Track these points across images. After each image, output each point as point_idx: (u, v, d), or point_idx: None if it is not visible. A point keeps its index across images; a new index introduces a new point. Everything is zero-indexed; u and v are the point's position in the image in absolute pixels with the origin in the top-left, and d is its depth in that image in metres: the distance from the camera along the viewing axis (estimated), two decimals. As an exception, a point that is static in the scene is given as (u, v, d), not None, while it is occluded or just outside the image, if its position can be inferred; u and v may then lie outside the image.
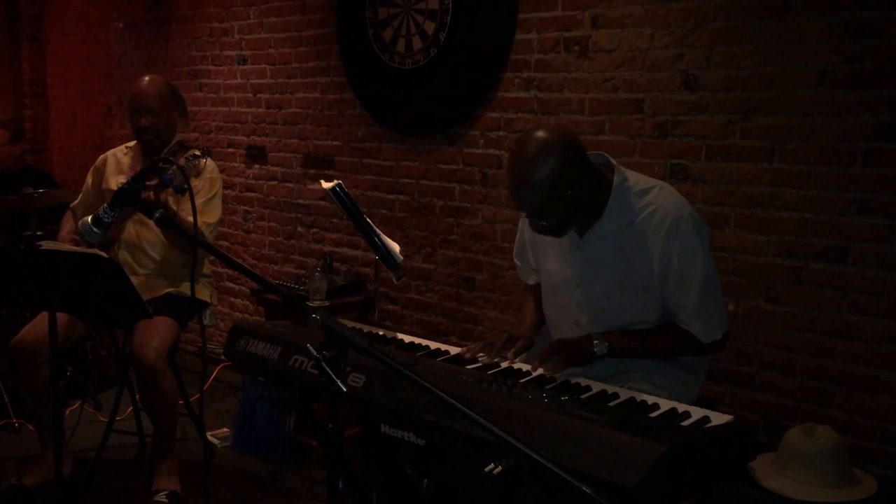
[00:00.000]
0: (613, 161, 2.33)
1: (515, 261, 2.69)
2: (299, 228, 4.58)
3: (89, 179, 3.59)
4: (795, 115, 2.82)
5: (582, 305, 2.35)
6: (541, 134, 2.16)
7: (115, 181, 3.41)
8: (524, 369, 2.22)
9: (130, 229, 3.42)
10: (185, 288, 3.37)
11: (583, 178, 2.19)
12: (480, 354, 2.29)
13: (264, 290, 4.08)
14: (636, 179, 2.30)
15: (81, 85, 6.03)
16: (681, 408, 1.94)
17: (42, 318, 3.13)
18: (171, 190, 2.57)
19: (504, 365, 2.26)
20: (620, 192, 2.26)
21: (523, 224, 2.56)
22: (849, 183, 2.73)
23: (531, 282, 2.64)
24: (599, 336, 2.24)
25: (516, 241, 2.66)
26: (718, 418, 1.89)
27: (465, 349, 2.34)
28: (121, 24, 5.59)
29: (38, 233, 3.83)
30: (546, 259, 2.46)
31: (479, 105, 3.67)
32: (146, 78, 3.45)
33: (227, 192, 4.68)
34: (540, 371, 2.19)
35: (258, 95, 4.70)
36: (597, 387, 2.09)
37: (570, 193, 2.16)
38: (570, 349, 2.22)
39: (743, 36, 2.90)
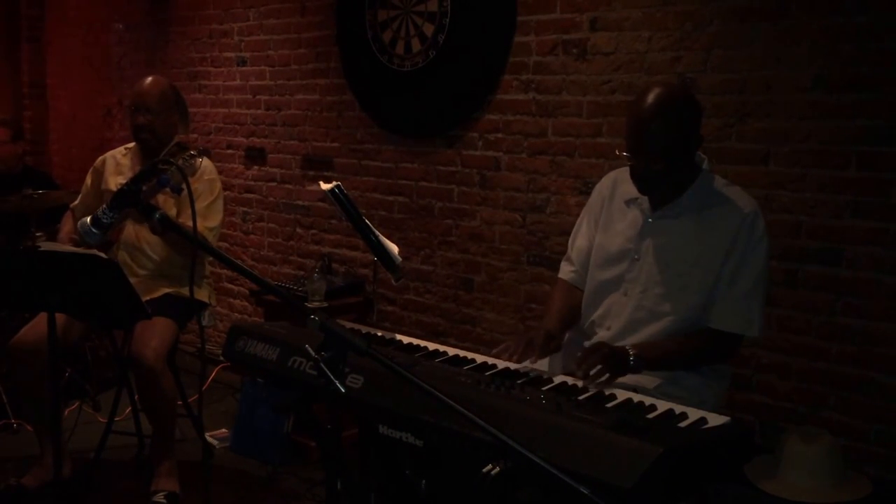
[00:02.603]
0: (704, 156, 2.37)
1: (569, 244, 2.66)
2: (298, 229, 4.59)
3: (88, 181, 3.60)
4: (791, 118, 2.84)
5: (636, 279, 2.36)
6: (671, 84, 2.36)
7: (114, 182, 3.41)
8: (522, 370, 2.23)
9: (130, 230, 3.43)
10: (184, 289, 3.38)
11: (698, 134, 2.29)
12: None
13: (263, 291, 4.08)
14: (721, 178, 2.39)
15: (81, 86, 6.04)
16: (678, 409, 1.95)
17: (41, 319, 3.14)
18: (168, 190, 2.58)
19: (505, 366, 2.26)
20: (707, 178, 2.33)
21: (592, 204, 2.58)
22: (843, 186, 2.75)
23: (566, 276, 2.63)
24: (632, 348, 2.22)
25: (576, 225, 2.64)
26: (715, 420, 1.90)
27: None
28: (120, 26, 5.60)
29: (38, 234, 3.84)
30: (608, 231, 2.47)
31: (477, 107, 3.68)
32: (149, 78, 3.47)
33: (226, 193, 4.68)
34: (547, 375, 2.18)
35: (257, 97, 4.71)
36: (594, 388, 2.10)
37: (686, 144, 2.25)
38: (610, 357, 2.16)
39: (739, 40, 2.92)
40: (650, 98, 2.22)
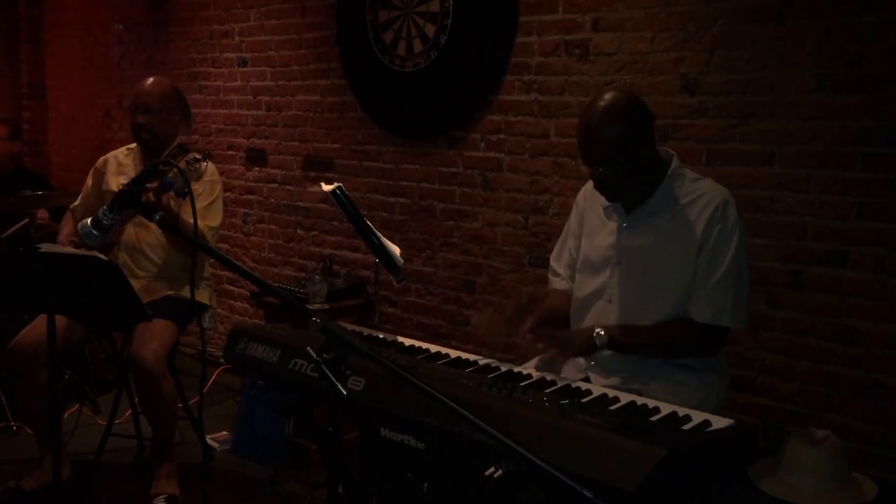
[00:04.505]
0: (673, 153, 2.40)
1: (551, 263, 2.70)
2: (299, 231, 4.57)
3: (89, 181, 3.59)
4: (795, 119, 2.82)
5: (619, 284, 2.39)
6: (617, 91, 2.36)
7: (116, 183, 3.40)
8: (524, 372, 2.22)
9: (130, 232, 3.42)
10: (184, 290, 3.37)
11: (649, 136, 2.31)
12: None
13: (264, 293, 4.07)
14: (691, 171, 2.41)
15: (80, 87, 6.03)
16: (681, 411, 1.93)
17: (41, 321, 3.13)
18: (171, 193, 2.58)
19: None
20: (675, 176, 2.35)
21: (571, 218, 2.63)
22: (848, 187, 2.73)
23: (558, 286, 2.65)
24: (602, 328, 2.29)
25: (558, 243, 2.69)
26: (719, 422, 1.89)
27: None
28: (120, 26, 5.59)
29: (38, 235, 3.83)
30: (590, 239, 2.51)
31: (479, 108, 3.67)
32: (151, 78, 3.46)
33: (227, 194, 4.68)
34: (543, 374, 2.19)
35: (258, 98, 4.70)
36: (597, 390, 2.09)
37: (637, 147, 2.27)
38: (564, 339, 2.27)
39: (743, 40, 2.91)
40: (596, 107, 2.27)
